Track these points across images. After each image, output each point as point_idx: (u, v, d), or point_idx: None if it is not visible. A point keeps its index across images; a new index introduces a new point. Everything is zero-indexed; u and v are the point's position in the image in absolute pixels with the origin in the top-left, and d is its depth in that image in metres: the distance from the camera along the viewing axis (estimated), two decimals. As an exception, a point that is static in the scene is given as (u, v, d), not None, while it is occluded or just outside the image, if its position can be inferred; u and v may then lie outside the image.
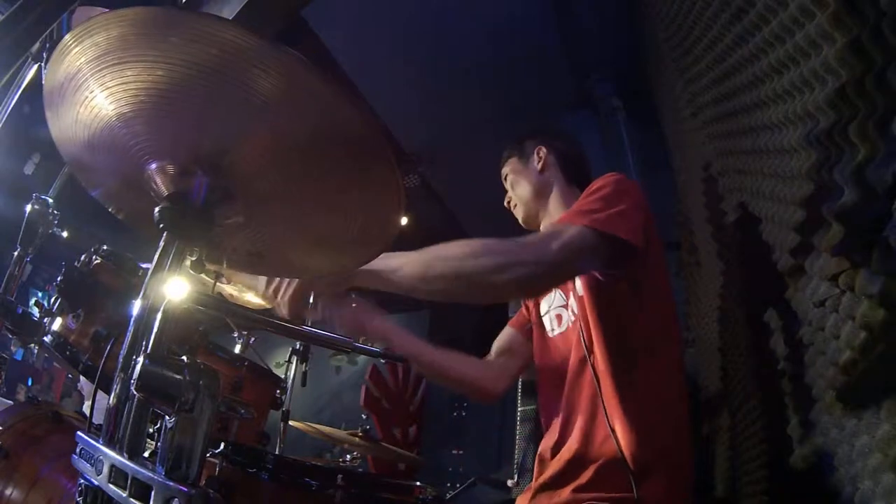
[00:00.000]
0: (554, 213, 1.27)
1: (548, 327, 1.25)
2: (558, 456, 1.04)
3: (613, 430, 0.96)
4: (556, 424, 1.10)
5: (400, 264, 0.93)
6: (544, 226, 1.29)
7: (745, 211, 1.09)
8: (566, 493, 0.97)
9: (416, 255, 0.92)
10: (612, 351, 1.02)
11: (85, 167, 0.75)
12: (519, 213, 1.32)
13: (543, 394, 1.22)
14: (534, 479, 1.11)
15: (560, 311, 1.22)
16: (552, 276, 0.98)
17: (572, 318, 1.16)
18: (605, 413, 0.99)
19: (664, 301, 1.09)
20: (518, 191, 1.31)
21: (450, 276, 0.91)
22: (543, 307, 1.28)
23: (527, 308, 1.39)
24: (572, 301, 1.17)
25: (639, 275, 1.03)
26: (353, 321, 1.09)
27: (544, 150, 1.30)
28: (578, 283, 1.13)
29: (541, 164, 1.29)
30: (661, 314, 1.06)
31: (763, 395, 1.07)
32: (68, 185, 1.42)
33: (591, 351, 1.06)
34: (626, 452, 0.94)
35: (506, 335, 1.41)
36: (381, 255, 0.85)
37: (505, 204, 1.37)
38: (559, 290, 1.23)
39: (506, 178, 1.35)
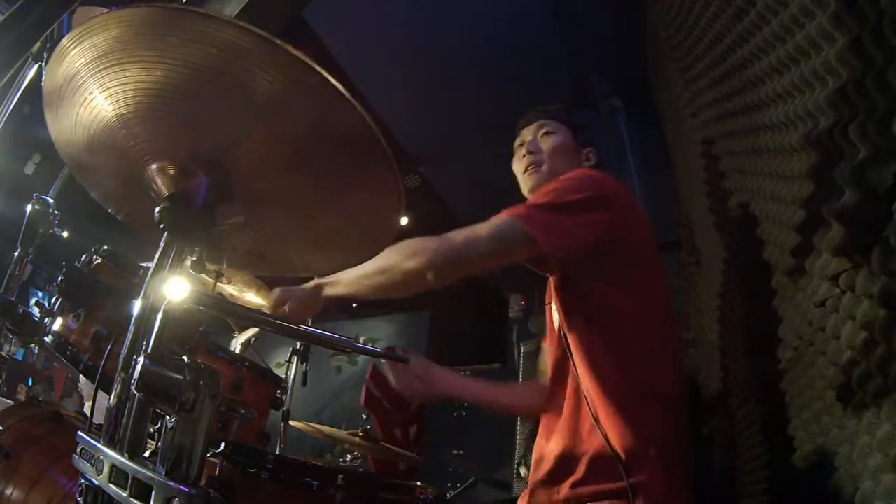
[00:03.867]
0: None
1: (549, 321, 1.27)
2: (550, 451, 1.05)
3: (598, 421, 0.97)
4: (547, 420, 1.12)
5: (352, 273, 1.01)
6: None
7: (746, 211, 1.09)
8: (565, 488, 0.97)
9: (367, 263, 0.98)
10: (584, 344, 1.03)
11: (85, 168, 0.75)
12: (539, 175, 1.25)
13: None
14: (531, 476, 1.11)
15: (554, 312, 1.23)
16: (467, 260, 1.02)
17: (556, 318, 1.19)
18: (589, 405, 0.99)
19: (648, 293, 1.08)
20: (557, 159, 1.26)
21: (377, 270, 0.98)
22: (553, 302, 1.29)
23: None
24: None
25: (607, 270, 1.04)
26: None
27: (594, 157, 1.32)
28: (555, 282, 1.15)
29: (587, 164, 1.31)
30: (642, 306, 1.06)
31: (763, 395, 1.07)
32: (69, 185, 1.42)
33: (568, 345, 1.07)
34: (614, 443, 0.94)
35: (543, 355, 1.43)
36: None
37: (524, 153, 1.28)
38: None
39: (544, 134, 1.29)
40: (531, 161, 1.26)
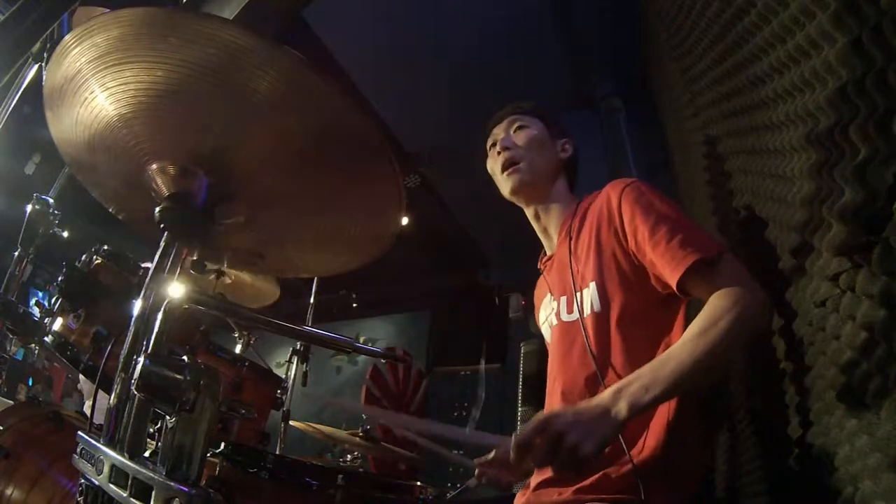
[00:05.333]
0: (553, 208, 1.23)
1: (546, 336, 1.23)
2: None
3: (624, 440, 0.92)
4: None
5: (667, 373, 0.82)
6: (534, 210, 1.25)
7: (746, 211, 1.09)
8: (568, 492, 0.96)
9: (675, 357, 0.83)
10: (635, 354, 0.97)
11: (85, 168, 0.75)
12: (520, 175, 1.19)
13: (548, 396, 1.17)
14: (534, 475, 1.09)
15: (551, 319, 1.18)
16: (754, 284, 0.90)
17: (555, 322, 1.14)
18: None
19: (675, 301, 1.03)
20: (534, 153, 1.21)
21: (730, 342, 0.84)
22: (541, 317, 1.25)
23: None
24: (558, 307, 1.14)
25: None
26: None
27: (571, 147, 1.28)
28: (593, 297, 1.05)
29: (564, 155, 1.26)
30: (672, 313, 1.02)
31: (763, 395, 1.06)
32: (69, 185, 1.42)
33: (602, 364, 1.00)
34: (637, 460, 0.91)
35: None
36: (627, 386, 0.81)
37: (498, 151, 1.21)
38: (549, 293, 1.21)
39: (517, 129, 1.23)
40: (508, 158, 1.19)
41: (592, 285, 1.06)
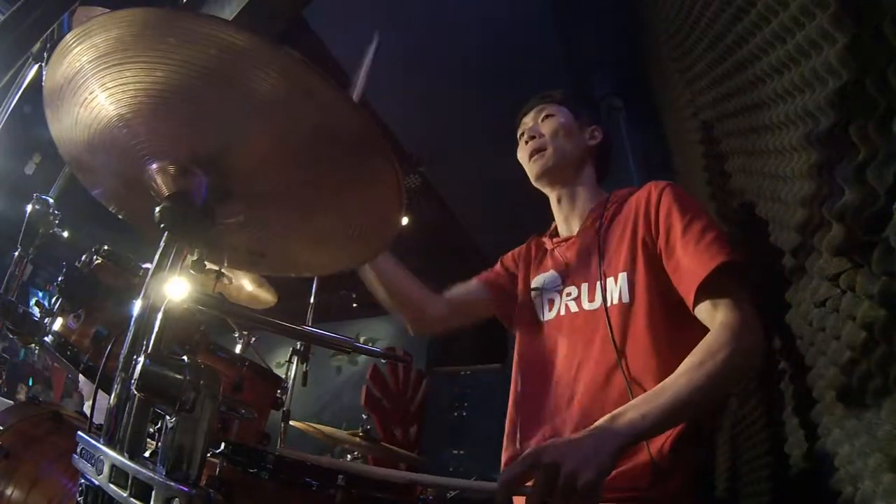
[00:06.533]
0: (579, 193, 1.24)
1: (539, 309, 1.19)
2: None
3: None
4: (565, 420, 1.03)
5: (665, 406, 0.80)
6: (558, 195, 1.25)
7: (746, 211, 1.09)
8: None
9: (669, 392, 0.82)
10: (657, 367, 0.96)
11: (85, 167, 0.75)
12: (545, 160, 1.22)
13: (531, 380, 1.14)
14: None
15: (553, 296, 1.16)
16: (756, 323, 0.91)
17: (575, 308, 1.11)
18: None
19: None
20: (560, 140, 1.23)
21: (710, 388, 0.84)
22: (535, 284, 1.22)
23: (507, 272, 1.33)
24: (578, 293, 1.12)
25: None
26: None
27: (600, 134, 1.28)
28: (622, 287, 1.04)
29: (593, 142, 1.27)
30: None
31: (763, 395, 1.07)
32: (69, 185, 1.42)
33: (623, 355, 1.00)
34: (653, 453, 0.91)
35: (471, 288, 1.33)
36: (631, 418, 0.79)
37: (526, 140, 1.25)
38: (556, 272, 1.19)
39: (544, 118, 1.26)
40: (534, 147, 1.23)
41: (622, 276, 1.06)
